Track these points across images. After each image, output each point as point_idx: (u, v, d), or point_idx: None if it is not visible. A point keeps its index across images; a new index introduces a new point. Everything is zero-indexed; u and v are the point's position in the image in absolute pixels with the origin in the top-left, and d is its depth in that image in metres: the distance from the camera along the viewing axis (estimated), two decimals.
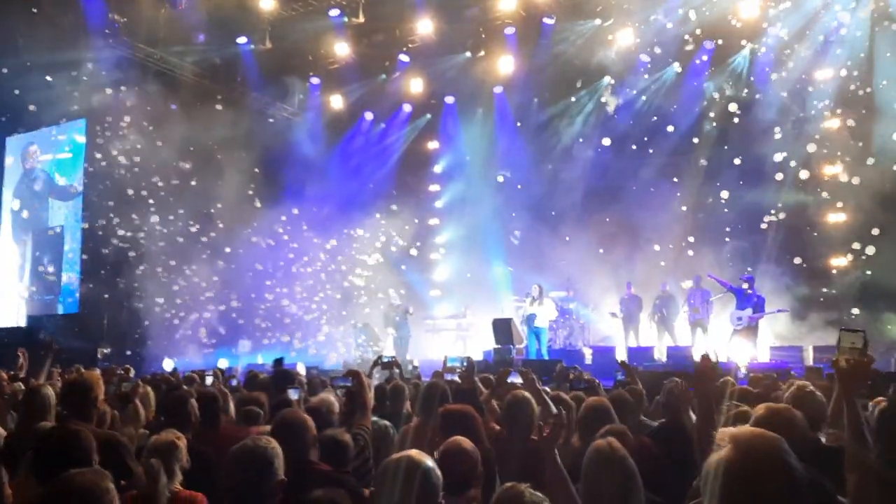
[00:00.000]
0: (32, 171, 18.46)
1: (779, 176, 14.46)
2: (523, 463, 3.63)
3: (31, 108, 16.49)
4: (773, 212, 14.50)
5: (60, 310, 17.12)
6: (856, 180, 13.65)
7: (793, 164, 14.35)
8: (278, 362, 6.56)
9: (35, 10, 14.97)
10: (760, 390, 5.70)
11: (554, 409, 4.36)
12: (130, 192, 16.29)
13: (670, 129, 15.94)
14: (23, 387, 6.82)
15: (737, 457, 1.70)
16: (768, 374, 7.55)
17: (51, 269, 17.44)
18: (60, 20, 15.36)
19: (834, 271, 14.35)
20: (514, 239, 17.03)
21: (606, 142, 16.33)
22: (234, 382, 7.34)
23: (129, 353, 15.56)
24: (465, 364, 5.75)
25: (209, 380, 7.33)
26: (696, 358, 3.27)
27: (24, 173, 18.64)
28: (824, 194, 14.51)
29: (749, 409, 3.52)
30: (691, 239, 15.32)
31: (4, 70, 15.70)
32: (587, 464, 2.87)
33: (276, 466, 2.86)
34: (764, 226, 14.55)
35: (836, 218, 14.43)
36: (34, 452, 3.01)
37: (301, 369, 8.37)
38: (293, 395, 5.07)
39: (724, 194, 15.07)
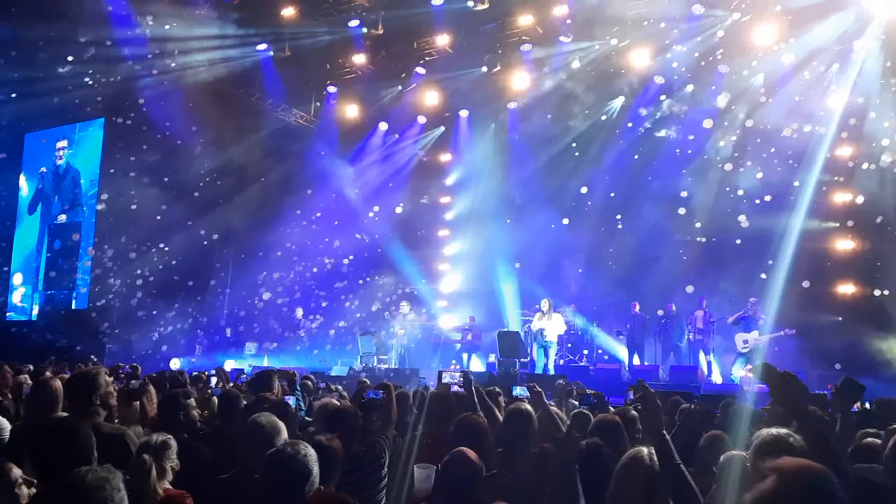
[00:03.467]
0: (56, 166, 18.69)
1: (788, 201, 14.51)
2: (528, 472, 3.70)
3: (52, 104, 16.75)
4: (780, 235, 14.53)
5: (74, 305, 17.28)
6: (865, 206, 13.74)
7: (802, 189, 14.41)
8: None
9: (59, 10, 15.20)
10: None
11: (560, 424, 4.42)
12: (144, 192, 16.48)
13: (680, 150, 16.02)
14: (29, 379, 6.92)
15: (781, 490, 1.62)
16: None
17: (65, 263, 17.62)
18: (84, 20, 15.60)
19: (841, 297, 14.32)
20: (517, 264, 17.11)
21: (616, 159, 16.47)
22: (243, 380, 7.45)
23: (136, 351, 15.67)
24: (461, 380, 5.57)
25: (213, 380, 7.44)
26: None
27: (49, 168, 18.89)
28: (833, 221, 14.53)
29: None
30: (699, 260, 15.37)
31: (26, 68, 15.98)
32: (621, 471, 2.93)
33: (315, 475, 2.89)
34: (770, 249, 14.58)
35: (845, 245, 14.43)
36: (33, 446, 2.96)
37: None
38: (290, 401, 5.11)
39: (739, 217, 15.12)
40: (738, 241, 14.73)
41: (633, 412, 4.90)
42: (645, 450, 3.01)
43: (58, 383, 4.40)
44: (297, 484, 2.83)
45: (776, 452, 2.92)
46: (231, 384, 7.55)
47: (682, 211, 15.79)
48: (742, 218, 14.84)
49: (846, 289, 14.26)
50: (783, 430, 3.14)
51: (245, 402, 5.61)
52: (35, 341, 15.59)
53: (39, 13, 15.17)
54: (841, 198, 14.52)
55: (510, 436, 4.09)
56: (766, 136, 15.16)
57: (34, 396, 4.39)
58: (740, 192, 15.11)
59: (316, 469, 2.89)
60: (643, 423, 2.99)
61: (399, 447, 4.63)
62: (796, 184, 14.45)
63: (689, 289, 14.64)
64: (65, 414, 4.14)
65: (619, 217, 16.46)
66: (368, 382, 6.76)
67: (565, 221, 16.78)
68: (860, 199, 14.03)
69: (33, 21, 15.32)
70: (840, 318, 13.93)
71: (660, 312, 14.96)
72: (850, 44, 13.86)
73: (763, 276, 13.76)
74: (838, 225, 14.53)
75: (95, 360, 11.88)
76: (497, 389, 6.09)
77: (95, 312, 16.51)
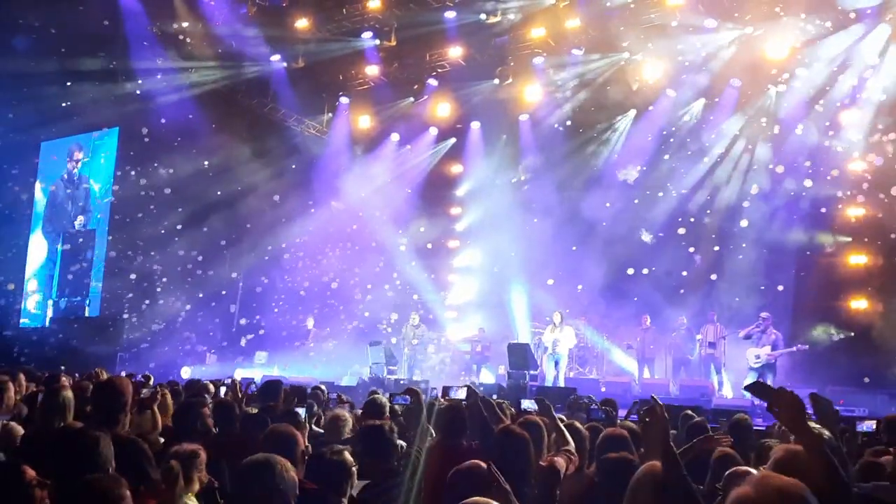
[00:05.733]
0: (72, 174, 18.88)
1: (802, 215, 14.48)
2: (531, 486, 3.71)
3: (67, 113, 16.97)
4: (793, 250, 14.50)
5: (87, 312, 17.40)
6: (880, 222, 13.70)
7: (816, 204, 14.38)
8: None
9: (76, 21, 15.39)
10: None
11: (569, 438, 4.41)
12: (157, 200, 16.64)
13: (692, 163, 16.03)
14: (35, 387, 6.96)
15: (755, 498, 1.66)
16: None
17: (79, 270, 17.77)
18: (101, 30, 15.80)
19: (854, 312, 14.22)
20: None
21: (630, 176, 16.50)
22: (253, 389, 7.50)
23: (147, 359, 15.76)
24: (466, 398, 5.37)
25: (223, 390, 7.46)
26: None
27: (63, 176, 19.07)
28: (846, 236, 14.46)
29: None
30: (713, 276, 15.32)
31: (43, 77, 16.19)
32: (636, 485, 2.91)
33: (286, 481, 2.84)
34: (782, 263, 14.54)
35: (858, 260, 14.34)
36: (52, 454, 2.99)
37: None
38: (300, 412, 5.15)
39: (745, 230, 15.10)
40: (751, 255, 14.70)
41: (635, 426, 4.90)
42: (657, 464, 3.01)
43: (69, 392, 4.43)
44: (270, 492, 2.81)
45: (791, 469, 2.90)
46: (241, 394, 7.58)
47: (694, 224, 15.78)
48: (748, 231, 14.85)
49: (859, 304, 14.16)
50: (798, 447, 3.12)
51: (255, 411, 5.68)
52: (48, 348, 15.72)
53: (57, 23, 15.40)
54: (854, 212, 14.44)
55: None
56: (779, 150, 15.13)
57: (45, 405, 4.40)
58: (760, 200, 15.08)
59: (287, 476, 2.85)
60: (646, 435, 3.00)
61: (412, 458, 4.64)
62: (807, 198, 14.44)
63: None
64: (76, 423, 4.16)
65: (632, 230, 16.41)
66: (380, 393, 6.77)
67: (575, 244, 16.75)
68: (874, 215, 13.97)
69: (51, 31, 15.55)
70: (853, 334, 13.83)
71: (670, 326, 14.90)
72: (864, 56, 13.81)
73: (775, 290, 13.74)
74: (851, 239, 14.45)
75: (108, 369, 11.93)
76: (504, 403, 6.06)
77: (108, 320, 16.63)
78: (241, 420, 5.26)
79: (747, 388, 2.81)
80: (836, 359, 13.27)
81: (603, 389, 12.91)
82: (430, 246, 18.96)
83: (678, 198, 16.09)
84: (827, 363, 13.23)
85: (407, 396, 4.67)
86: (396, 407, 5.47)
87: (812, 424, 3.80)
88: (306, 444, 4.39)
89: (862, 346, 13.40)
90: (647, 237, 15.94)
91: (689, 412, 6.63)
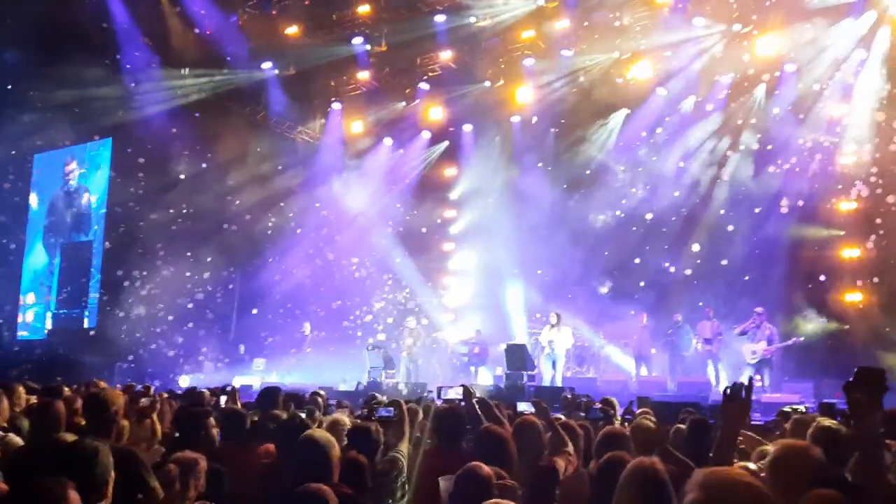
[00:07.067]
0: (68, 185, 18.88)
1: (792, 209, 14.56)
2: (530, 488, 3.75)
3: (61, 125, 16.98)
4: (785, 244, 14.56)
5: (86, 324, 17.40)
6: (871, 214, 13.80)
7: (807, 198, 14.45)
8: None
9: (68, 28, 15.40)
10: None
11: (567, 439, 4.43)
12: (152, 209, 16.66)
13: (684, 161, 16.09)
14: (33, 399, 6.98)
15: (704, 500, 1.62)
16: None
17: (77, 282, 17.77)
18: (92, 41, 15.81)
19: (847, 306, 14.29)
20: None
21: (620, 172, 16.59)
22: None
23: (146, 368, 15.77)
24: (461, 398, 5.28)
25: (223, 398, 7.47)
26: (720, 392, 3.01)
27: (59, 188, 19.07)
28: (839, 229, 14.54)
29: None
30: (708, 274, 15.39)
31: (36, 89, 16.20)
32: (626, 481, 2.88)
33: None
34: (775, 258, 14.61)
35: (851, 253, 14.42)
36: (50, 464, 2.95)
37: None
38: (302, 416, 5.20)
39: (737, 225, 15.17)
40: (744, 250, 14.78)
41: (647, 424, 4.82)
42: (647, 460, 3.02)
43: (61, 405, 4.46)
44: None
45: (791, 466, 2.91)
46: (240, 403, 7.60)
47: (687, 221, 15.85)
48: (740, 226, 14.92)
49: (853, 297, 14.23)
50: (801, 443, 3.12)
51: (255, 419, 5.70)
52: (47, 360, 15.71)
53: (48, 34, 15.39)
54: (846, 206, 14.52)
55: (518, 448, 4.09)
56: (770, 144, 15.21)
57: (38, 417, 4.44)
58: (751, 194, 15.17)
59: None
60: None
61: (411, 460, 4.66)
62: (799, 191, 14.51)
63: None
64: (70, 434, 4.18)
65: (625, 228, 16.47)
66: (378, 397, 6.80)
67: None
68: (866, 207, 14.05)
69: (42, 43, 15.55)
70: (847, 327, 13.90)
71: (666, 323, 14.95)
72: (854, 51, 13.89)
73: (767, 285, 13.80)
74: (844, 233, 14.52)
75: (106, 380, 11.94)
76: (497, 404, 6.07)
77: (106, 331, 16.62)
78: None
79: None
80: (830, 351, 13.34)
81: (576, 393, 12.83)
82: (424, 248, 18.99)
83: (671, 195, 16.14)
84: (822, 356, 13.29)
85: (391, 408, 4.68)
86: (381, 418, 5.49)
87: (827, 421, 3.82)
88: None
89: (856, 338, 13.46)
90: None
91: (690, 409, 6.75)
